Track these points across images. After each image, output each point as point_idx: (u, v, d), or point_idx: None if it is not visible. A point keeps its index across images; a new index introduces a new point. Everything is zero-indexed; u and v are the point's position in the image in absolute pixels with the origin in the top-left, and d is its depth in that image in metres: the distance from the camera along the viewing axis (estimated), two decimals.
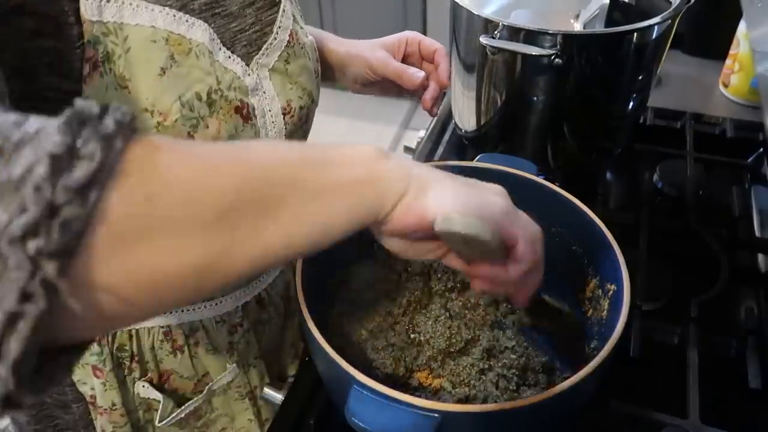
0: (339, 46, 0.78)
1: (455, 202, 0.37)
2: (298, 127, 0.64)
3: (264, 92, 0.58)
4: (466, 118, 0.90)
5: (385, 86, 0.79)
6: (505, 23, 0.72)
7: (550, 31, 0.71)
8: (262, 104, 0.58)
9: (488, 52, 0.75)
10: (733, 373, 0.66)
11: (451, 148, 0.99)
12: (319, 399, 0.63)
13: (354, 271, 0.65)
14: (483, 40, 0.73)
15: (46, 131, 0.25)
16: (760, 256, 0.80)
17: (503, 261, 0.43)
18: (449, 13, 0.83)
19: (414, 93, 0.77)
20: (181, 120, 0.50)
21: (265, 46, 0.58)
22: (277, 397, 0.67)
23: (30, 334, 0.23)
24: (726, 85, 1.13)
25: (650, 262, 0.75)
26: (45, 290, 0.23)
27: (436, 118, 1.05)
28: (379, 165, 0.35)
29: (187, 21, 0.50)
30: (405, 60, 0.78)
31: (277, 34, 0.59)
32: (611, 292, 0.55)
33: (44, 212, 0.23)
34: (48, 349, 0.26)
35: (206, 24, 0.52)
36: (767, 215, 0.86)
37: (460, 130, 0.94)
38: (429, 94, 0.76)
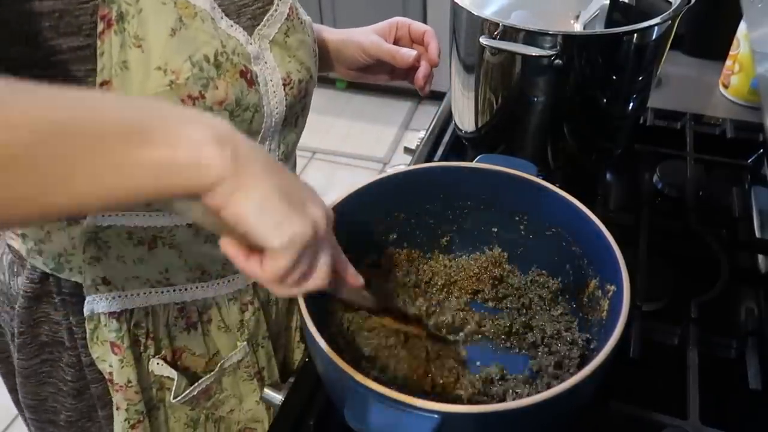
0: (334, 34, 0.81)
1: (256, 210, 0.36)
2: (298, 101, 0.65)
3: (265, 62, 0.60)
4: (465, 119, 0.90)
5: (377, 70, 0.81)
6: (505, 24, 0.73)
7: (550, 32, 0.71)
8: (264, 73, 0.60)
9: (488, 53, 0.75)
10: (733, 374, 0.66)
11: (451, 149, 0.99)
12: (319, 399, 0.63)
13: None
14: (483, 40, 0.73)
15: None
16: (761, 257, 0.80)
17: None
18: (449, 13, 0.83)
19: (406, 74, 0.80)
20: (192, 79, 0.53)
21: (266, 17, 0.60)
22: (277, 397, 0.67)
23: None
24: (726, 86, 1.13)
25: (650, 262, 0.75)
26: None
27: (436, 119, 1.05)
28: (204, 151, 0.34)
29: None
30: (396, 43, 0.80)
31: (278, 6, 0.62)
32: (611, 292, 0.55)
33: None
34: None
35: None
36: (767, 216, 0.86)
37: (460, 130, 0.94)
38: (421, 73, 0.78)
